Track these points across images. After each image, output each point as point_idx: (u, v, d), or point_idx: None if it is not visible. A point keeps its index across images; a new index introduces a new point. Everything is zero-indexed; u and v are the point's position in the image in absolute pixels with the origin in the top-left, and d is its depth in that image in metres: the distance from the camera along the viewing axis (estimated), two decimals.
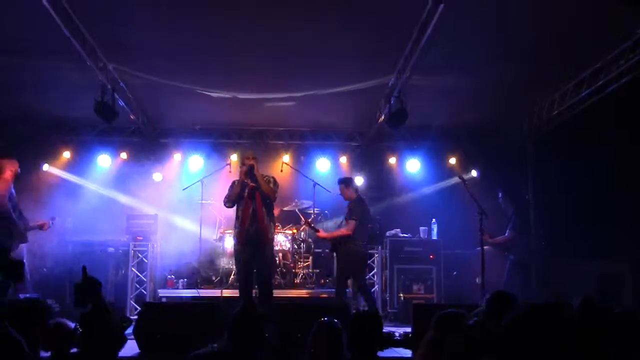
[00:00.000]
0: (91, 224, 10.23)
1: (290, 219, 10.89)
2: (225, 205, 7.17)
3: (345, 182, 8.35)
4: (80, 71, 8.27)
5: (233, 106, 10.39)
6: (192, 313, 5.68)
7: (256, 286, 7.21)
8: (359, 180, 11.28)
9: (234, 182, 7.28)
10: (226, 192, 7.35)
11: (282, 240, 10.21)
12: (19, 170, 7.25)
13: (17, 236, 7.03)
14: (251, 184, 7.04)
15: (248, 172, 7.01)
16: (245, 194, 7.04)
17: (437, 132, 11.51)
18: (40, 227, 7.69)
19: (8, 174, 7.08)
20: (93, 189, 11.36)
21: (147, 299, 9.70)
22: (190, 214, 10.76)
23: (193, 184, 10.01)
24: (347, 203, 8.21)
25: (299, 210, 10.63)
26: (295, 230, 10.32)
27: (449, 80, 8.85)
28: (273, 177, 7.41)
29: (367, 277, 9.49)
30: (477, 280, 9.31)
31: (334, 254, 8.52)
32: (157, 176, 11.46)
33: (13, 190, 7.16)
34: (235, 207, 7.23)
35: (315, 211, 10.23)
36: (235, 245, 7.15)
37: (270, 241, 7.20)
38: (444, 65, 8.24)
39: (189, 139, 11.94)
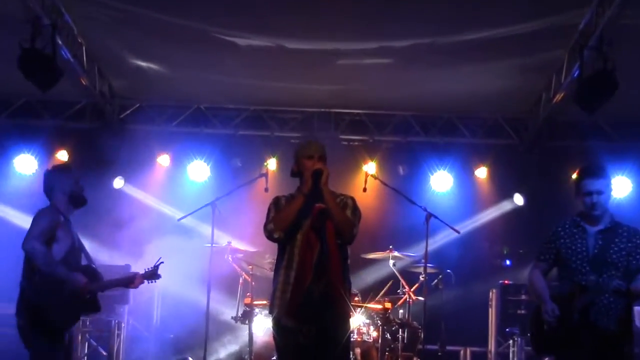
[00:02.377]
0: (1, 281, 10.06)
1: (379, 281, 10.86)
2: (270, 234, 6.82)
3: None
4: None
5: (274, 66, 10.57)
6: None
7: None
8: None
9: (278, 200, 7.07)
10: (263, 220, 7.08)
11: (361, 323, 9.98)
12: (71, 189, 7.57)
13: (67, 308, 7.34)
14: (318, 205, 6.81)
15: (313, 181, 6.80)
16: (306, 223, 6.83)
17: None
18: (128, 284, 7.97)
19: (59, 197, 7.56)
20: (3, 216, 11.68)
21: None
22: (189, 267, 10.77)
23: (195, 211, 9.97)
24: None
25: (395, 267, 10.47)
26: (389, 305, 10.05)
27: None
28: (352, 199, 7.12)
29: None
30: None
31: None
32: (118, 183, 11.87)
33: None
34: (278, 250, 7.01)
35: (429, 269, 9.92)
36: (278, 322, 6.84)
37: (347, 318, 6.93)
38: None
39: (186, 128, 12.15)
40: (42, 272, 7.22)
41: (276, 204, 6.96)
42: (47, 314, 7.14)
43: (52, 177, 7.66)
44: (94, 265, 7.71)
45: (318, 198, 6.72)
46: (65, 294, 7.28)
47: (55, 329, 7.18)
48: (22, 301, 7.26)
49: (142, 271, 8.01)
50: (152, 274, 8.04)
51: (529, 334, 7.82)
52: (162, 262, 8.15)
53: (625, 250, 6.80)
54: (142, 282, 8.03)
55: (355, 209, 6.96)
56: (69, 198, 7.60)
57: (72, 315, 7.40)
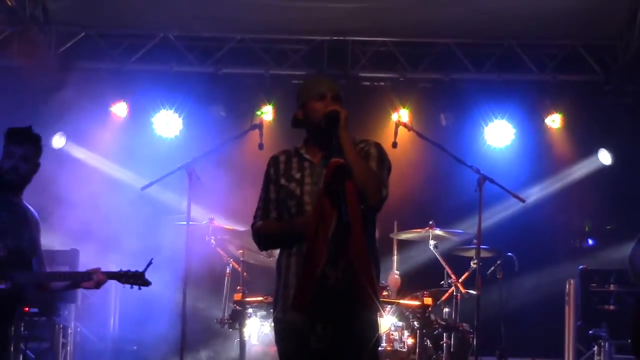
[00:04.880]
0: None
1: (415, 270, 10.95)
2: (257, 235, 6.84)
3: None
4: None
5: None
6: None
7: None
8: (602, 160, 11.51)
9: (275, 163, 6.91)
10: (257, 189, 6.98)
11: (392, 326, 10.01)
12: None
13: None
14: (334, 160, 6.63)
15: (326, 125, 6.65)
16: (320, 184, 6.67)
17: None
18: (79, 282, 7.74)
19: None
20: None
21: None
22: (158, 254, 10.03)
23: (164, 176, 10.11)
24: None
25: (437, 251, 10.44)
26: (429, 301, 10.00)
27: None
28: (377, 146, 7.02)
29: None
30: None
31: None
32: (58, 142, 12.02)
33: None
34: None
35: (483, 253, 10.11)
36: (281, 319, 6.70)
37: (375, 314, 6.80)
38: None
39: (150, 66, 12.27)
40: None
41: (268, 178, 6.83)
42: None
43: None
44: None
45: (336, 148, 6.48)
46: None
47: None
48: None
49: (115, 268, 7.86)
50: (135, 277, 7.90)
51: (629, 340, 8.03)
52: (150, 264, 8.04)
53: None
54: (105, 282, 7.75)
55: (383, 159, 6.77)
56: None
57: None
